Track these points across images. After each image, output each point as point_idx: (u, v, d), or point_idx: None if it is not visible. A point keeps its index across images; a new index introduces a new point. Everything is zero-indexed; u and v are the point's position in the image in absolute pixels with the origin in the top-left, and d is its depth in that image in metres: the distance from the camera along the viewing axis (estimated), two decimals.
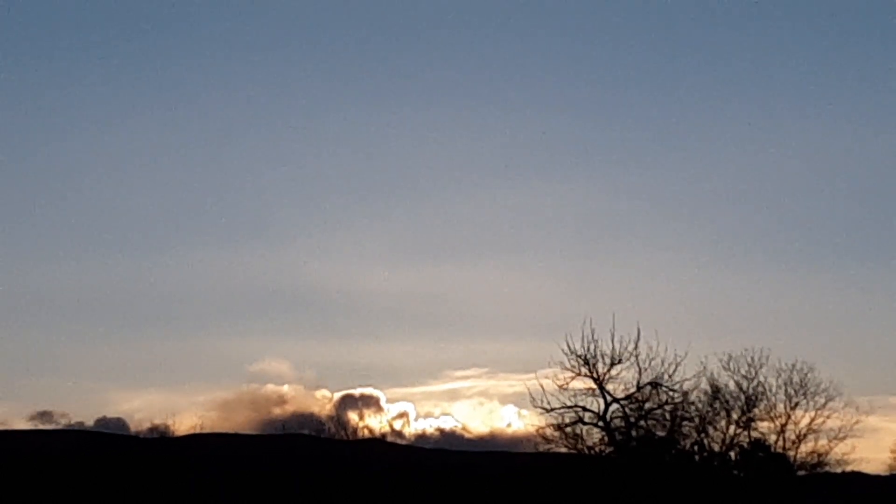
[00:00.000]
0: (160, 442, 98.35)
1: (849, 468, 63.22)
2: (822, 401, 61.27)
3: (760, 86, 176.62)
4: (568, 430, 59.12)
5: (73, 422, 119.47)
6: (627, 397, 58.57)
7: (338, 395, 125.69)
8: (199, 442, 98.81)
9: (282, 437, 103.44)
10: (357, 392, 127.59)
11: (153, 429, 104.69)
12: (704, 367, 60.62)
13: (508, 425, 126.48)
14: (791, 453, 61.83)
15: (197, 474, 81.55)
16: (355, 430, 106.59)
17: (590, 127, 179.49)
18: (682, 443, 61.64)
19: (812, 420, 61.26)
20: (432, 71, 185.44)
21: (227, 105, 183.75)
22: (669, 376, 57.89)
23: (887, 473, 78.27)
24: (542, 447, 60.15)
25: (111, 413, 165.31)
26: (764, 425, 61.80)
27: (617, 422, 59.55)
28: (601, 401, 58.45)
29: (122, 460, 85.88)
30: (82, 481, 78.55)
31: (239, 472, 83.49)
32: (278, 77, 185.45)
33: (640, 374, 57.95)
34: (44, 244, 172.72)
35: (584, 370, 57.97)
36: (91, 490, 76.64)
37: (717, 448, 62.03)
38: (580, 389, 58.33)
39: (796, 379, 61.60)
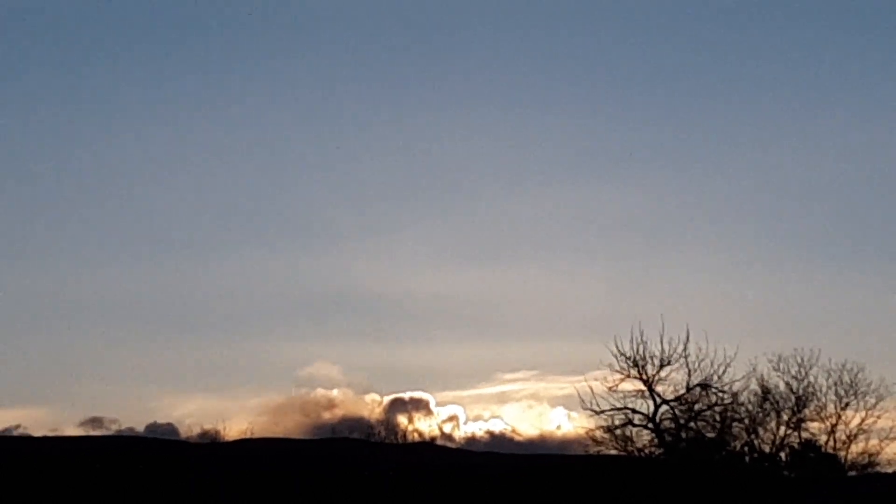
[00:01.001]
0: (210, 447, 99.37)
1: None
2: (873, 401, 60.82)
3: (800, 82, 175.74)
4: (618, 432, 59.07)
5: (123, 427, 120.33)
6: (677, 399, 58.68)
7: (387, 399, 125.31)
8: (249, 447, 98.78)
9: (332, 441, 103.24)
10: (407, 395, 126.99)
11: (203, 434, 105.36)
12: (754, 368, 60.70)
13: (558, 427, 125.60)
14: (842, 454, 61.50)
15: (246, 479, 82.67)
16: (405, 434, 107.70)
17: (636, 128, 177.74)
18: (732, 444, 61.68)
19: (863, 420, 60.91)
20: (480, 74, 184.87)
21: (277, 111, 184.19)
22: (719, 377, 57.92)
23: None
24: (592, 449, 60.42)
25: (161, 419, 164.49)
26: (814, 426, 61.86)
27: (666, 423, 59.34)
28: (651, 402, 58.62)
29: (171, 465, 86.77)
30: (130, 486, 78.11)
31: (289, 477, 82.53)
32: (325, 81, 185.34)
33: (689, 375, 58.09)
34: (95, 249, 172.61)
35: (633, 372, 58.21)
36: (137, 495, 76.36)
37: (767, 449, 61.83)
38: (629, 391, 58.54)
39: (847, 379, 61.24)
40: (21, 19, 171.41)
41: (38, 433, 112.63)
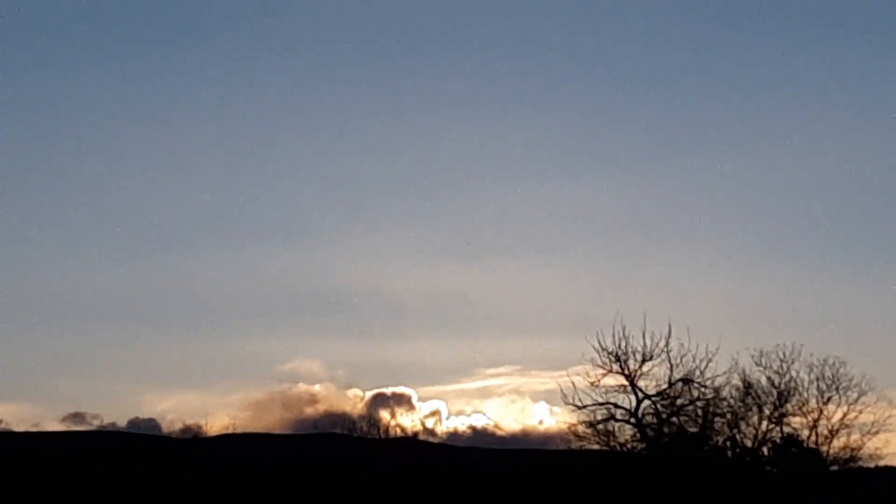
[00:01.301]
0: (192, 442, 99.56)
1: (882, 463, 62.96)
2: (855, 395, 60.72)
3: (785, 84, 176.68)
4: (600, 426, 59.48)
5: (105, 423, 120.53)
6: (659, 394, 58.92)
7: (369, 394, 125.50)
8: (231, 442, 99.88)
9: (314, 436, 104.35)
10: (389, 391, 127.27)
11: (185, 429, 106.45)
12: (736, 363, 60.66)
13: (540, 422, 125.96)
14: (824, 448, 61.42)
15: (229, 474, 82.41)
16: (387, 429, 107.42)
17: (619, 126, 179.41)
18: (715, 439, 61.80)
19: (844, 415, 60.85)
20: (463, 70, 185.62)
21: (262, 109, 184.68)
22: (701, 372, 58.20)
23: None
24: (574, 444, 60.65)
25: (143, 414, 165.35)
26: (796, 421, 61.78)
27: (649, 418, 59.63)
28: (633, 397, 58.87)
29: (153, 461, 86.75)
30: (113, 481, 79.16)
31: (271, 472, 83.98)
32: (309, 79, 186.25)
33: (671, 370, 58.31)
34: (75, 246, 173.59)
35: (615, 367, 58.47)
36: (120, 490, 77.41)
37: (749, 444, 61.93)
38: (612, 386, 58.80)
39: (828, 374, 61.17)
40: (21, 19, 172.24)
41: (19, 429, 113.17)
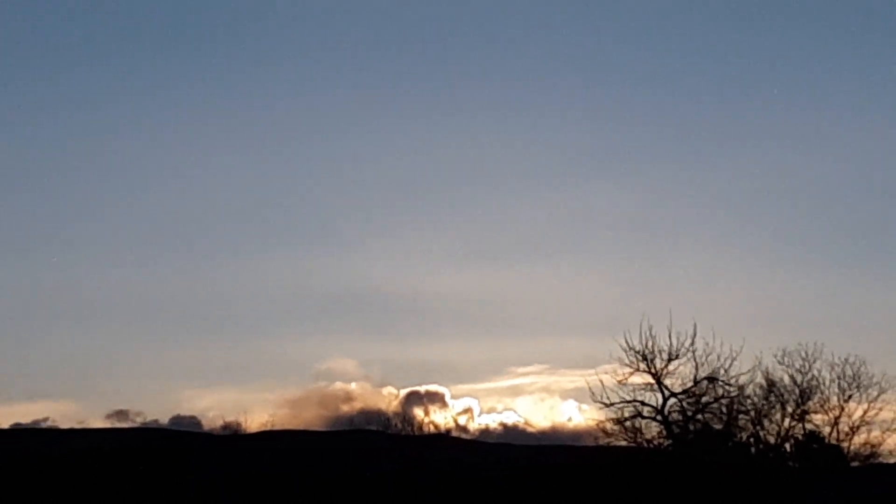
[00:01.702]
0: (232, 438, 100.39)
1: None
2: (875, 393, 60.57)
3: (802, 82, 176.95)
4: (627, 424, 59.32)
5: (148, 419, 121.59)
6: (685, 392, 59.20)
7: (404, 392, 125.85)
8: (270, 438, 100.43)
9: (350, 432, 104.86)
10: (422, 389, 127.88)
11: (226, 426, 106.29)
12: (759, 362, 60.46)
13: (569, 420, 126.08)
14: (845, 445, 61.42)
15: (269, 469, 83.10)
16: (421, 426, 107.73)
17: (643, 130, 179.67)
18: (739, 435, 61.59)
19: (865, 412, 60.77)
20: (492, 76, 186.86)
21: (292, 119, 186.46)
22: (725, 371, 58.49)
23: None
24: (603, 441, 61.06)
25: (185, 411, 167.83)
26: (818, 418, 61.35)
27: (675, 415, 59.65)
28: (659, 395, 59.20)
29: (194, 456, 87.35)
30: (154, 476, 79.75)
31: (309, 467, 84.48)
32: (340, 85, 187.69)
33: (696, 369, 58.52)
34: (120, 252, 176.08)
35: (642, 366, 58.71)
36: (159, 484, 77.89)
37: (772, 440, 61.74)
38: (638, 385, 59.02)
39: (849, 372, 60.97)
40: (29, 19, 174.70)
41: (65, 425, 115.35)
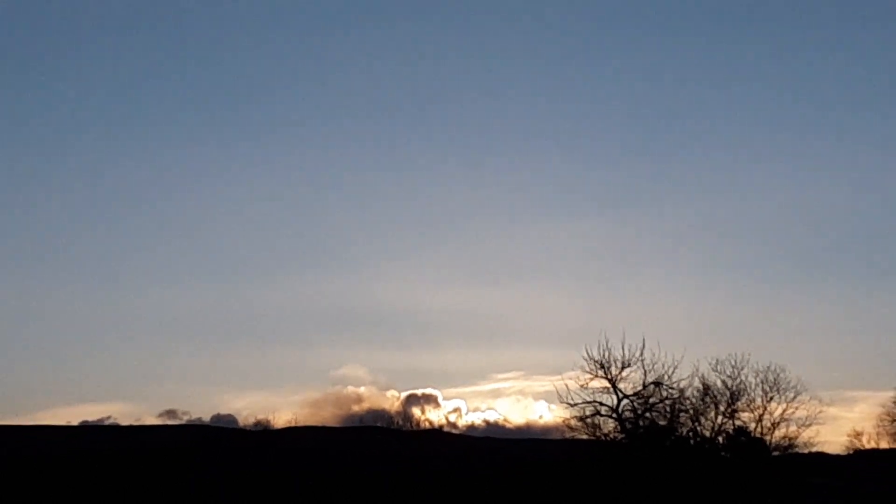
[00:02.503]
0: (263, 433, 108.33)
1: (814, 449, 67.68)
2: (792, 395, 65.15)
3: (746, 105, 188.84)
4: (588, 421, 63.24)
5: (193, 417, 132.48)
6: (635, 394, 63.08)
7: (404, 395, 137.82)
8: (293, 433, 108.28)
9: (360, 428, 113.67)
10: (420, 392, 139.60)
11: (257, 423, 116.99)
12: (697, 369, 65.10)
13: (540, 417, 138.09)
14: (767, 438, 65.35)
15: (293, 458, 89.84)
16: (418, 423, 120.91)
17: (606, 175, 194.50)
18: (680, 430, 65.61)
19: (784, 411, 65.07)
20: (491, 110, 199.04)
21: (322, 159, 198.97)
22: (669, 377, 62.74)
23: (844, 453, 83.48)
24: (568, 435, 65.12)
25: (224, 410, 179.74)
26: (745, 415, 65.78)
27: (627, 414, 63.50)
28: (614, 397, 63.19)
29: (231, 448, 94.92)
30: (198, 466, 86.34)
31: (326, 458, 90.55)
32: (349, 117, 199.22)
33: (645, 375, 62.76)
34: (169, 279, 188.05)
35: (600, 373, 62.80)
36: (203, 471, 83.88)
37: (707, 434, 65.72)
38: (597, 388, 63.11)
39: (771, 378, 65.46)
40: (78, 26, 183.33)
41: (124, 423, 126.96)
